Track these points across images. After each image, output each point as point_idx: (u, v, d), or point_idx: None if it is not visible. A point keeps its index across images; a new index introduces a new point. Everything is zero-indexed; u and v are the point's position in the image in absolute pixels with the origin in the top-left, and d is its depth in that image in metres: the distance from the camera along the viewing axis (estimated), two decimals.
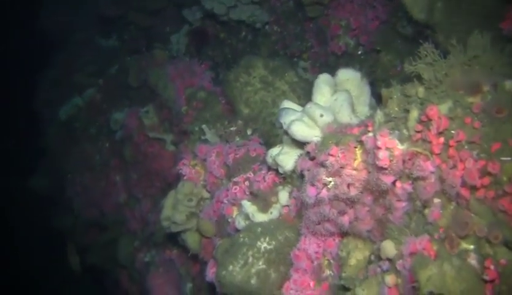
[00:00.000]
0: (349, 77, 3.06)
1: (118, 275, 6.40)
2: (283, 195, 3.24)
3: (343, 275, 2.69)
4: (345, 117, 2.88)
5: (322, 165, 2.54)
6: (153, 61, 5.75)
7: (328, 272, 2.91)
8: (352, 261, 2.67)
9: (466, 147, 2.04)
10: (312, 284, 2.97)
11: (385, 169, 2.30)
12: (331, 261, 2.88)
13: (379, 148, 2.29)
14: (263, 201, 3.29)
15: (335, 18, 4.70)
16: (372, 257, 2.55)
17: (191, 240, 4.01)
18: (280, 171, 3.13)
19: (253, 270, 3.04)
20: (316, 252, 2.93)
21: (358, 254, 2.67)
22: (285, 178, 3.22)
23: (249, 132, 4.16)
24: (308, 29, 5.13)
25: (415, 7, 3.06)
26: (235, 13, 5.47)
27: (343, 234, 2.76)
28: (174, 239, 4.76)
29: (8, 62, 9.75)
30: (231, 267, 3.05)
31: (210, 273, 3.53)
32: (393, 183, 2.34)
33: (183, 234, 4.03)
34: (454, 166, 2.07)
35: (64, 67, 7.37)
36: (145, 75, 5.45)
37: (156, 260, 5.34)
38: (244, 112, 4.34)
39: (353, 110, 2.97)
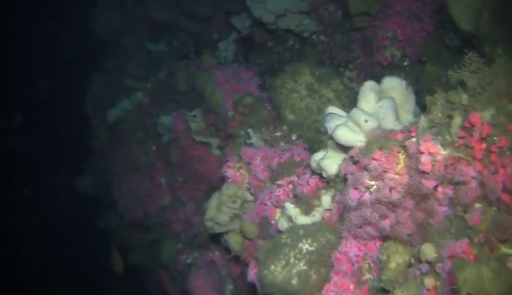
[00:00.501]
0: (394, 85, 3.11)
1: (160, 276, 6.54)
2: (326, 199, 3.30)
3: (383, 277, 2.74)
4: (390, 123, 2.94)
5: (365, 168, 2.60)
6: (201, 66, 5.88)
7: (368, 275, 2.96)
8: (392, 264, 2.72)
9: (507, 153, 2.08)
10: (352, 286, 3.02)
11: (427, 173, 2.35)
12: (371, 264, 2.93)
13: (421, 153, 2.34)
14: (305, 204, 3.36)
15: (382, 29, 4.75)
16: (412, 261, 2.60)
17: (234, 241, 4.10)
18: (324, 175, 3.19)
19: (294, 271, 3.10)
20: (357, 256, 2.98)
21: (398, 258, 2.71)
22: (328, 182, 3.28)
23: (294, 138, 4.24)
24: (355, 40, 5.19)
25: (463, 18, 3.09)
26: (283, 22, 5.55)
27: (384, 238, 2.81)
28: (216, 241, 4.88)
29: (60, 64, 10.09)
30: (272, 267, 3.13)
31: (252, 273, 3.61)
32: (435, 188, 2.39)
33: (226, 235, 4.12)
34: (495, 172, 2.11)
35: (113, 71, 7.59)
36: (193, 80, 5.58)
37: (198, 261, 5.45)
38: (289, 118, 4.42)
39: (398, 118, 3.02)
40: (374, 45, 4.85)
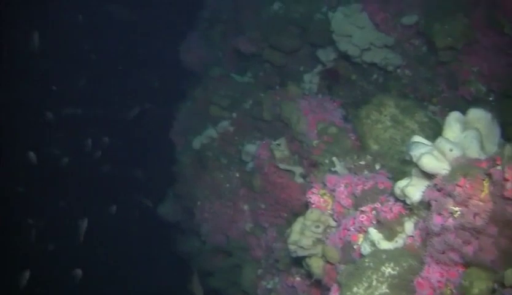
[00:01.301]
0: (479, 116, 3.19)
1: None
2: (409, 226, 3.38)
3: None
4: (474, 153, 3.01)
5: (449, 194, 2.69)
6: (286, 95, 6.07)
7: None
8: (475, 290, 2.77)
9: None
10: None
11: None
12: (453, 290, 2.99)
13: (506, 180, 2.42)
14: (388, 230, 3.45)
15: (467, 64, 4.80)
16: (496, 286, 2.65)
17: (316, 266, 4.21)
18: (408, 202, 3.28)
19: (376, 293, 3.19)
20: (439, 281, 3.04)
21: (480, 284, 2.76)
22: (412, 210, 3.36)
23: (377, 167, 4.35)
24: (439, 74, 5.24)
25: None
26: (368, 55, 5.68)
27: (466, 264, 2.87)
28: (297, 266, 5.01)
29: (149, 93, 10.60)
30: (355, 289, 3.23)
31: None
32: None
33: (308, 259, 4.24)
34: None
35: (200, 100, 7.92)
36: (279, 109, 5.78)
37: (278, 287, 5.57)
38: (373, 148, 4.54)
39: (482, 148, 3.09)
40: (459, 80, 4.90)
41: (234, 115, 7.16)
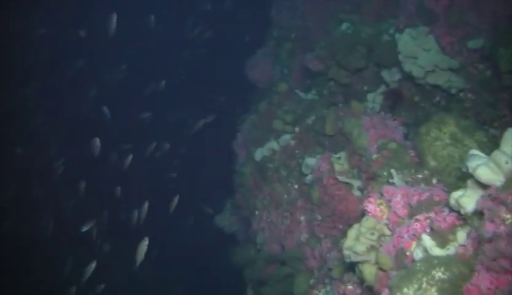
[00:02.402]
0: None
1: None
2: (462, 235, 3.51)
3: None
4: None
5: (502, 202, 2.83)
6: (349, 111, 6.27)
7: None
8: None
9: None
10: None
11: None
12: None
13: None
14: (441, 238, 3.58)
15: None
16: None
17: (368, 272, 4.35)
18: (462, 212, 3.42)
19: None
20: (488, 288, 3.15)
21: None
22: (465, 220, 3.49)
23: (434, 181, 4.48)
24: (501, 99, 5.34)
25: None
26: (432, 77, 5.82)
27: None
28: (349, 274, 5.16)
29: (217, 106, 10.98)
30: (405, 290, 3.37)
31: None
32: None
33: (361, 265, 4.39)
34: None
35: (265, 114, 8.19)
36: (342, 124, 5.98)
37: None
38: (431, 164, 4.67)
39: None
40: None
41: (297, 129, 7.36)
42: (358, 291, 5.09)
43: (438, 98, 6.07)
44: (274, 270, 7.29)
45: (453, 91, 5.76)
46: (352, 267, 4.71)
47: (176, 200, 9.23)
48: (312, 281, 6.37)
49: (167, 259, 11.61)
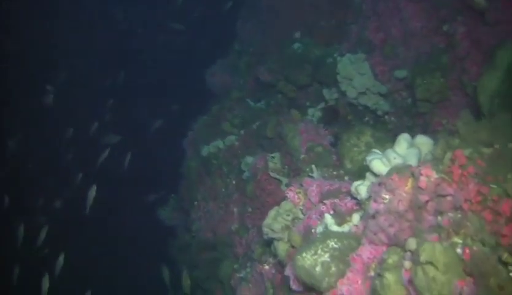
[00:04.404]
0: (424, 141, 4.12)
1: (215, 288, 7.54)
2: (356, 217, 4.28)
3: (380, 271, 3.68)
4: (413, 164, 3.94)
5: (384, 185, 3.62)
6: (289, 118, 7.06)
7: (372, 273, 3.89)
8: (390, 261, 3.65)
9: (474, 177, 3.06)
10: (359, 281, 3.96)
11: (423, 189, 3.34)
12: (377, 264, 3.87)
13: (421, 174, 3.35)
14: (340, 218, 4.35)
15: (439, 116, 5.78)
16: (403, 255, 3.54)
17: (281, 249, 5.08)
18: (358, 198, 4.20)
19: (320, 260, 4.06)
20: (368, 258, 3.92)
21: (394, 256, 3.65)
22: (361, 205, 4.28)
23: (346, 178, 5.28)
24: (417, 124, 6.20)
25: (485, 104, 4.12)
26: (363, 98, 6.66)
27: (389, 244, 3.76)
28: (267, 255, 5.90)
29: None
30: (304, 254, 4.11)
31: (288, 269, 4.60)
32: (427, 201, 3.37)
33: (276, 242, 5.13)
34: (462, 189, 3.09)
35: (216, 116, 8.94)
36: (280, 128, 6.75)
37: (249, 276, 6.42)
38: (347, 167, 5.47)
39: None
40: (430, 130, 5.85)
41: (242, 132, 8.11)
42: (273, 270, 5.83)
43: (367, 118, 6.89)
44: (205, 255, 7.97)
45: (379, 113, 6.59)
46: (269, 243, 5.42)
47: (93, 190, 9.37)
48: (236, 266, 7.07)
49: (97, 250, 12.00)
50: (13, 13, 12.24)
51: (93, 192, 8.57)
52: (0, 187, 10.76)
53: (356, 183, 4.25)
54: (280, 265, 5.24)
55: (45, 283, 8.15)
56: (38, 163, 11.99)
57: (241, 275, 6.64)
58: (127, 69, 12.20)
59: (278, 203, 6.40)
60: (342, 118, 7.20)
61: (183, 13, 12.08)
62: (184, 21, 11.49)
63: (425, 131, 6.04)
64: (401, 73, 6.29)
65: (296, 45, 7.99)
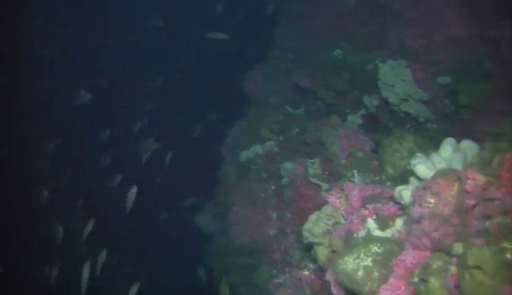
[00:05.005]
0: (469, 145, 4.09)
1: (251, 294, 7.54)
2: (399, 222, 4.25)
3: (424, 276, 3.65)
4: (458, 168, 3.90)
5: (429, 189, 3.59)
6: (328, 123, 7.05)
7: (416, 279, 3.86)
8: (433, 266, 3.62)
9: None
10: (402, 287, 3.92)
11: (469, 193, 3.31)
12: (420, 270, 3.84)
13: (468, 178, 3.32)
14: (383, 223, 4.33)
15: (480, 123, 5.70)
16: (448, 259, 3.50)
17: (321, 253, 5.07)
18: (402, 202, 4.17)
19: (362, 264, 4.05)
20: (411, 263, 3.89)
21: (439, 261, 3.61)
22: (404, 210, 4.25)
23: (388, 184, 5.25)
24: (459, 131, 6.11)
25: None
26: (405, 105, 6.61)
27: (434, 249, 3.73)
28: (306, 260, 5.89)
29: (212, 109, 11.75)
30: (346, 258, 4.09)
31: (329, 274, 4.59)
32: (474, 206, 3.33)
33: (316, 247, 5.12)
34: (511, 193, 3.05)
35: (253, 121, 8.97)
36: (320, 134, 6.75)
37: (288, 282, 6.42)
38: (389, 172, 5.44)
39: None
40: (472, 136, 5.77)
41: (281, 138, 8.13)
42: (312, 276, 5.82)
43: (408, 126, 6.83)
44: (242, 260, 7.99)
45: (421, 120, 6.52)
46: (309, 254, 5.41)
47: (133, 191, 9.27)
48: (274, 272, 7.07)
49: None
50: (57, 20, 12.50)
51: (132, 193, 8.65)
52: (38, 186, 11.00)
53: (399, 188, 4.22)
54: (320, 270, 5.22)
55: (85, 272, 8.22)
56: (76, 165, 12.15)
57: (279, 281, 6.63)
58: (166, 75, 12.32)
59: (317, 209, 6.42)
60: (382, 125, 7.14)
61: (222, 21, 12.18)
62: (223, 28, 11.55)
63: (467, 138, 5.97)
64: (444, 79, 6.22)
65: (337, 52, 7.99)
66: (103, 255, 8.59)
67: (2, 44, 11.66)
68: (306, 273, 5.96)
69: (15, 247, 10.90)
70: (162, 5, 12.80)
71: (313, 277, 5.79)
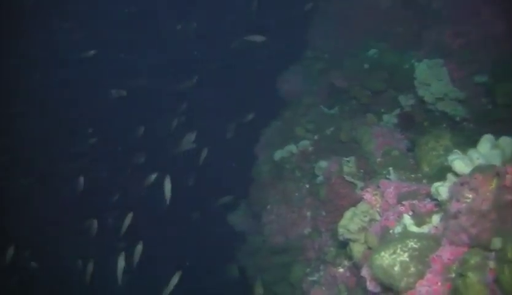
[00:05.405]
0: (508, 142, 4.07)
1: (285, 292, 7.57)
2: (436, 218, 4.25)
3: (461, 271, 3.64)
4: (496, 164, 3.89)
5: (466, 184, 3.59)
6: (364, 121, 7.05)
7: (453, 274, 3.86)
8: (471, 262, 3.62)
9: None
10: (439, 283, 3.93)
11: (509, 188, 3.30)
12: (457, 265, 3.83)
13: (507, 173, 3.32)
14: (419, 219, 4.33)
15: None
16: (486, 255, 3.50)
17: (356, 250, 5.09)
18: (439, 198, 4.17)
19: (398, 259, 4.06)
20: (448, 259, 3.89)
21: (476, 257, 3.61)
22: (441, 206, 4.25)
23: (424, 182, 5.24)
24: (496, 130, 6.04)
25: None
26: (441, 104, 6.59)
27: (471, 245, 3.72)
28: (341, 258, 5.91)
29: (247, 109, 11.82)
30: (382, 253, 4.11)
31: (364, 270, 4.60)
32: None
33: (351, 243, 5.14)
34: None
35: (288, 121, 9.01)
36: (355, 132, 6.76)
37: (322, 279, 6.44)
38: (425, 170, 5.43)
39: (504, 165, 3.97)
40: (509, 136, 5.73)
41: (316, 137, 8.15)
42: (347, 273, 5.83)
43: (444, 125, 6.80)
44: (276, 259, 8.02)
45: (457, 119, 6.49)
46: (344, 252, 5.43)
47: (168, 182, 9.19)
48: (308, 270, 7.09)
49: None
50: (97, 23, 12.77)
51: (168, 184, 8.71)
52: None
53: (436, 184, 4.22)
54: (355, 267, 5.25)
55: (121, 262, 8.33)
56: (111, 163, 12.36)
57: (314, 278, 6.66)
58: (201, 75, 12.45)
59: (352, 206, 6.46)
60: (418, 125, 7.12)
61: (256, 21, 12.26)
62: (258, 28, 11.61)
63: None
64: (481, 78, 6.20)
65: (372, 51, 7.99)
66: (140, 248, 8.67)
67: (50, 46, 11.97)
68: (341, 270, 5.97)
69: (51, 242, 11.15)
70: (197, 6, 12.90)
71: (348, 274, 5.80)
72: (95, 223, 10.15)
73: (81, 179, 10.60)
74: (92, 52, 11.75)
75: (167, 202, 8.79)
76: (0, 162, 11.41)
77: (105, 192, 11.64)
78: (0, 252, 9.46)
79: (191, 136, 10.62)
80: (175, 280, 8.54)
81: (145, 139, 11.96)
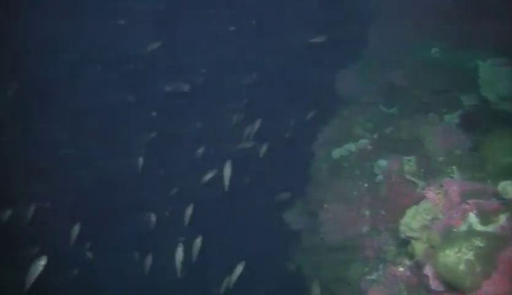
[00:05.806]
0: None
1: (342, 290, 7.57)
2: (503, 217, 4.21)
3: None
4: None
5: None
6: (425, 121, 6.98)
7: None
8: None
9: None
10: (507, 283, 3.89)
11: None
12: None
13: None
14: (485, 218, 4.29)
15: None
16: None
17: (418, 248, 5.07)
18: (506, 197, 4.14)
19: (464, 258, 4.04)
20: None
21: None
22: (508, 205, 4.20)
23: (489, 182, 5.17)
24: None
25: None
26: (505, 104, 6.46)
27: None
28: (401, 257, 5.88)
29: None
30: (447, 251, 4.10)
31: (427, 268, 4.58)
32: None
33: (413, 241, 5.12)
34: None
35: (346, 119, 8.99)
36: (417, 131, 6.70)
37: (382, 278, 6.41)
38: (490, 169, 5.36)
39: None
40: None
41: (375, 136, 8.11)
42: (408, 273, 5.80)
43: (509, 125, 6.66)
44: (333, 257, 8.02)
45: None
46: (404, 250, 5.41)
47: (229, 166, 9.20)
48: (366, 269, 7.07)
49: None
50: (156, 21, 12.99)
51: (228, 169, 8.79)
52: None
53: (504, 183, 4.19)
54: (417, 265, 5.22)
55: (179, 253, 8.45)
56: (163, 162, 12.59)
57: (372, 277, 6.64)
58: (261, 73, 12.55)
59: (413, 205, 6.42)
60: (481, 125, 7.00)
61: (316, 19, 12.27)
62: (317, 26, 11.63)
63: None
64: None
65: (434, 50, 7.91)
66: (198, 242, 8.78)
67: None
68: (401, 269, 5.94)
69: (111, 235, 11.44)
70: (257, 4, 12.99)
71: (408, 273, 5.77)
72: (153, 216, 10.37)
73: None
74: (157, 44, 11.94)
75: (226, 188, 8.84)
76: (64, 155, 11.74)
77: (163, 186, 11.85)
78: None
79: (252, 131, 10.68)
80: (239, 270, 8.63)
81: (205, 134, 12.14)
